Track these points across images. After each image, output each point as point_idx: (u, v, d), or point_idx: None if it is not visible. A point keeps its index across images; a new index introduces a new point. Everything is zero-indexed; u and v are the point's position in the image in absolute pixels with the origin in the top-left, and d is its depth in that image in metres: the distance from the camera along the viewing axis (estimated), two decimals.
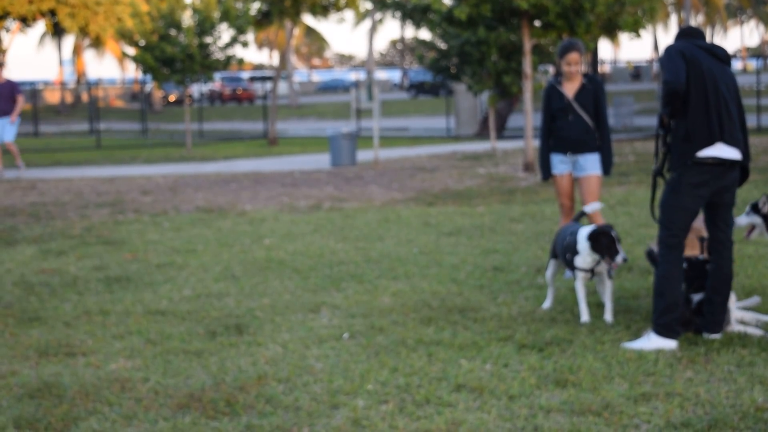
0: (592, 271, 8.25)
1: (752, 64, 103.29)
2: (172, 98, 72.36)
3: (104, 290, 10.06)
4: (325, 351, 7.55)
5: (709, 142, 7.35)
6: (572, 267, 8.34)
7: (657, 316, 7.42)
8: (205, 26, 31.20)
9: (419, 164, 24.05)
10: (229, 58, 31.98)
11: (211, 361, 7.36)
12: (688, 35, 7.64)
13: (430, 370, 6.92)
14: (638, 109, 41.26)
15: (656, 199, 7.79)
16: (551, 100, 10.13)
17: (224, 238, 13.34)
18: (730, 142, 7.41)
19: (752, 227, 8.27)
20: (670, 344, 7.32)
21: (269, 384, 6.74)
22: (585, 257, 8.23)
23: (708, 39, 7.76)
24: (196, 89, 63.21)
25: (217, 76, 70.15)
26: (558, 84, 10.13)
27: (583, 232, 8.28)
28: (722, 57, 7.55)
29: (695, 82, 7.34)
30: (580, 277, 8.26)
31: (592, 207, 9.46)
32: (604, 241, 8.10)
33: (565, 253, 8.40)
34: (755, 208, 8.20)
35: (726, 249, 7.65)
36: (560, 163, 10.25)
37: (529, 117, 21.50)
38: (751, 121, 34.29)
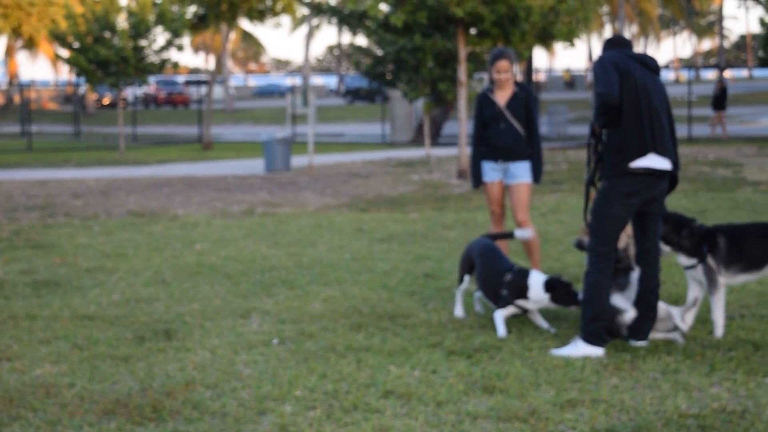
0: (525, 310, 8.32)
1: (684, 74, 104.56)
2: (105, 101, 71.73)
3: (32, 294, 9.94)
4: (254, 357, 7.51)
5: (642, 153, 7.42)
6: (502, 302, 8.26)
7: (585, 324, 7.48)
8: (140, 29, 31.01)
9: (354, 170, 24.06)
10: (164, 62, 31.82)
11: (139, 366, 7.30)
12: (618, 45, 7.71)
13: (358, 376, 6.91)
14: (572, 117, 41.63)
15: (589, 208, 7.85)
16: (483, 108, 10.15)
17: (155, 243, 13.24)
18: (662, 152, 7.48)
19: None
20: (597, 351, 7.38)
21: (197, 390, 6.70)
22: (535, 302, 8.18)
23: (641, 50, 7.84)
24: (130, 92, 62.69)
25: (152, 79, 69.70)
26: (490, 92, 10.16)
27: (539, 279, 8.20)
28: (653, 67, 7.63)
29: (628, 94, 7.40)
30: (509, 312, 8.25)
31: (522, 234, 9.44)
32: (563, 292, 8.11)
33: (499, 288, 8.30)
34: None
35: (653, 258, 7.73)
36: (491, 171, 10.27)
37: (463, 124, 21.59)
38: (682, 131, 34.74)
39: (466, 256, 8.81)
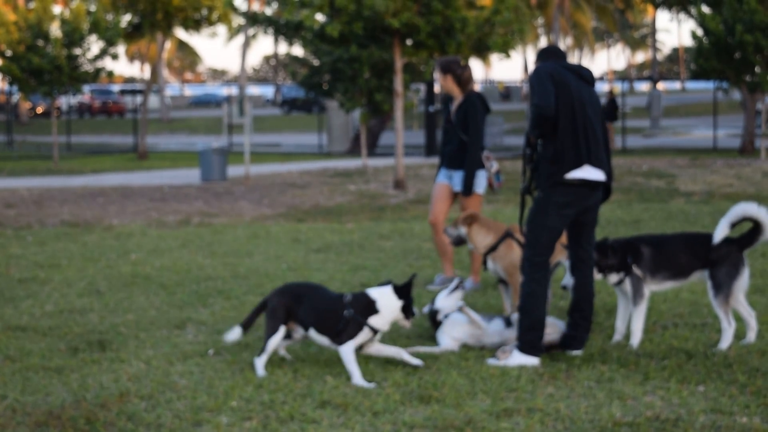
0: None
1: (618, 87, 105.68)
2: (39, 110, 70.94)
3: None
4: (189, 367, 7.46)
5: (577, 164, 7.47)
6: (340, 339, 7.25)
7: (521, 333, 7.51)
8: (74, 37, 30.73)
9: (290, 180, 24.01)
10: (98, 71, 31.55)
11: (72, 378, 7.21)
12: (553, 55, 7.77)
13: (294, 387, 6.89)
14: (508, 128, 41.88)
15: (524, 217, 7.90)
16: (444, 114, 10.42)
17: (89, 253, 13.12)
18: (596, 163, 7.54)
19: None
20: (532, 361, 7.42)
21: (131, 401, 6.63)
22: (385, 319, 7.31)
23: (576, 61, 7.88)
24: (64, 101, 62.00)
25: (87, 88, 69.05)
26: (450, 100, 10.37)
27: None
28: (588, 78, 7.70)
29: (564, 105, 7.45)
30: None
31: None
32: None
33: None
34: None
35: (588, 267, 7.80)
36: (442, 175, 10.47)
37: (399, 135, 21.63)
38: (616, 142, 35.09)
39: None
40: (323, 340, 7.30)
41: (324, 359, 7.57)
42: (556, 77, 7.48)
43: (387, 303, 7.25)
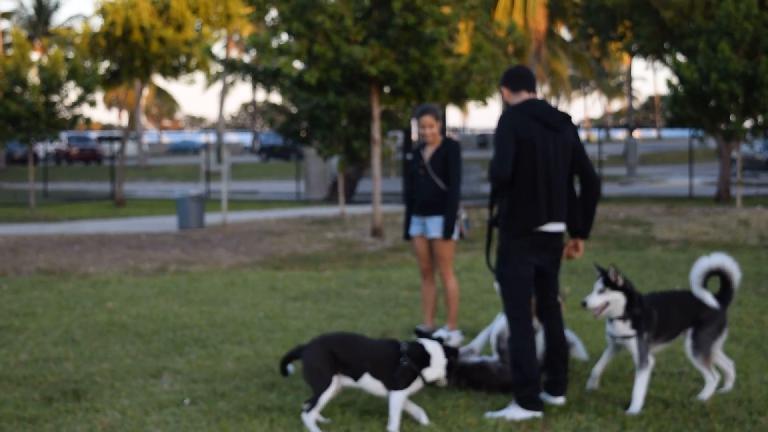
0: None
1: (595, 134, 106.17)
2: (16, 157, 70.78)
3: None
4: (165, 417, 7.41)
5: (535, 223, 7.46)
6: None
7: (517, 390, 7.44)
8: (51, 84, 30.74)
9: (268, 228, 23.98)
10: (76, 117, 31.53)
11: (46, 428, 7.15)
12: (523, 82, 7.62)
13: None
14: (485, 176, 41.99)
15: (492, 248, 7.88)
16: (413, 162, 10.34)
17: (65, 301, 13.04)
18: (557, 219, 7.52)
19: (606, 304, 7.67)
20: (535, 414, 7.35)
21: None
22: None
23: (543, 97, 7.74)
24: (41, 148, 61.99)
25: (64, 135, 68.98)
26: (422, 147, 10.33)
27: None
28: (555, 126, 7.53)
29: (525, 162, 7.39)
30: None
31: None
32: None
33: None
34: (609, 283, 7.66)
35: (556, 311, 7.76)
36: (415, 224, 10.41)
37: (377, 182, 21.66)
38: None
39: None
40: (376, 385, 7.20)
41: (300, 409, 7.52)
42: (520, 133, 7.41)
43: (439, 359, 7.29)
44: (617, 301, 7.61)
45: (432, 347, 7.31)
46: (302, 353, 7.23)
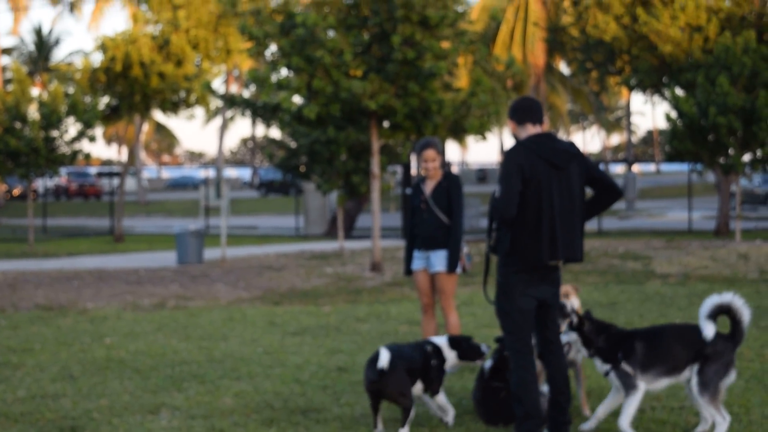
0: None
1: None
2: (15, 192, 70.80)
3: None
4: None
5: (536, 261, 7.43)
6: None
7: (518, 424, 7.40)
8: (51, 120, 30.77)
9: (267, 263, 23.94)
10: (75, 153, 31.54)
11: None
12: (528, 115, 7.62)
13: None
14: (484, 211, 41.98)
15: (490, 281, 7.82)
16: (414, 196, 10.31)
17: (63, 337, 13.00)
18: (560, 257, 7.47)
19: (568, 345, 7.94)
20: None
21: None
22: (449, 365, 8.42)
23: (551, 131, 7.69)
24: (41, 183, 62.02)
25: (64, 170, 69.03)
26: (422, 181, 10.32)
27: (441, 341, 8.45)
28: (561, 165, 7.51)
29: (530, 201, 7.37)
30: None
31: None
32: (466, 347, 8.44)
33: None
34: (571, 326, 7.92)
35: (558, 347, 7.69)
36: (417, 259, 10.37)
37: (376, 217, 21.64)
38: (592, 224, 35.21)
39: None
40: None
41: None
42: (526, 171, 7.39)
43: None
44: (575, 341, 7.86)
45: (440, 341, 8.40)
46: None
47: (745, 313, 7.75)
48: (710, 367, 7.63)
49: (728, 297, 7.73)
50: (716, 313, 7.71)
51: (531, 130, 7.63)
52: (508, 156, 7.50)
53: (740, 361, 10.45)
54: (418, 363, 8.00)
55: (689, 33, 31.38)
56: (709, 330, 7.66)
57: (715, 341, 7.67)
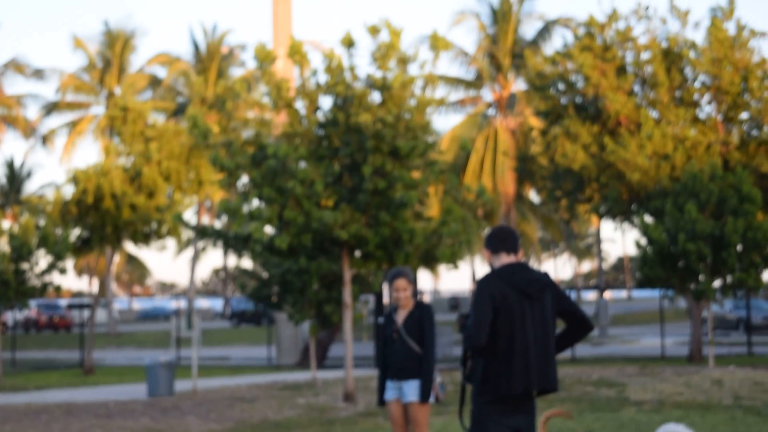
0: None
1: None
2: None
3: None
4: None
5: (510, 392, 7.37)
6: None
7: None
8: (22, 252, 30.66)
9: (239, 394, 23.69)
10: (45, 285, 31.36)
11: None
12: (502, 244, 7.62)
13: None
14: (457, 339, 41.86)
15: (465, 409, 7.75)
16: (386, 326, 10.29)
17: None
18: (534, 387, 7.43)
19: None
20: None
21: None
22: None
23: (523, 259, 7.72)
24: (10, 316, 61.52)
25: (33, 302, 68.56)
26: (394, 311, 10.31)
27: None
28: (534, 295, 7.49)
29: (502, 330, 7.34)
30: None
31: None
32: None
33: None
34: None
35: None
36: (390, 389, 10.31)
37: (349, 346, 21.53)
38: (565, 352, 35.12)
39: None
40: None
41: None
42: (497, 301, 7.38)
43: None
44: None
45: None
46: None
47: None
48: None
49: (671, 427, 7.73)
50: None
51: (505, 259, 7.64)
52: (480, 285, 7.48)
53: None
54: None
55: (656, 161, 31.83)
56: None
57: None
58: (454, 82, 56.77)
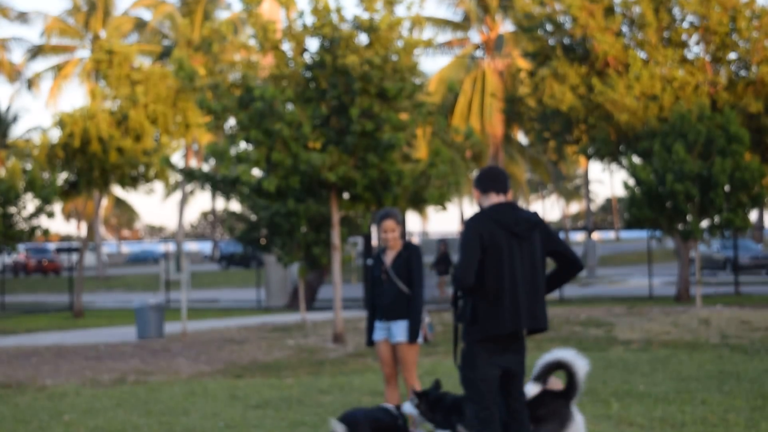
0: None
1: None
2: None
3: None
4: None
5: (498, 330, 7.41)
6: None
7: None
8: (9, 196, 30.58)
9: (228, 336, 23.78)
10: (34, 229, 31.32)
11: None
12: (492, 184, 7.67)
13: None
14: (447, 279, 41.98)
15: (458, 345, 7.79)
16: (374, 267, 10.29)
17: (21, 415, 12.80)
18: (522, 326, 7.46)
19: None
20: None
21: None
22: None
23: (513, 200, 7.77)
24: None
25: (22, 247, 68.48)
26: (382, 252, 10.31)
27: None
28: (522, 234, 7.53)
29: (490, 269, 7.38)
30: None
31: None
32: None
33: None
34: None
35: (523, 416, 7.63)
36: (378, 330, 10.33)
37: (338, 288, 21.59)
38: (554, 293, 35.23)
39: None
40: None
41: None
42: (486, 239, 7.42)
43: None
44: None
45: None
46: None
47: (581, 367, 7.84)
48: (545, 428, 7.67)
49: (563, 354, 7.87)
50: (550, 371, 7.84)
51: (495, 199, 7.65)
52: (468, 224, 7.49)
53: (704, 427, 10.44)
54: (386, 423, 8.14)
55: (644, 102, 31.76)
56: (529, 391, 7.80)
57: (545, 401, 7.73)
58: (442, 23, 56.51)
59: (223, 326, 27.05)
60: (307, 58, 20.81)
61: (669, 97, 31.57)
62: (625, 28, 33.78)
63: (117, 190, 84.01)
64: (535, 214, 7.63)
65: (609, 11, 33.41)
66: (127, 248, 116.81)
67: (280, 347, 20.99)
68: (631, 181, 28.45)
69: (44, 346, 22.58)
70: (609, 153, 33.94)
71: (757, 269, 46.66)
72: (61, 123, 33.32)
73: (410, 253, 10.24)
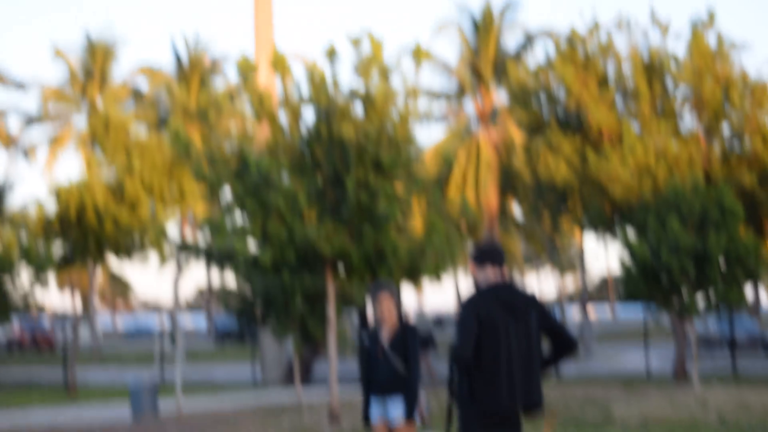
0: None
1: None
2: None
3: None
4: None
5: (495, 408, 7.36)
6: None
7: None
8: (3, 266, 30.42)
9: (223, 417, 23.49)
10: (28, 300, 31.11)
11: None
12: (489, 259, 7.64)
13: None
14: (441, 354, 41.78)
15: (452, 424, 7.70)
16: (370, 342, 10.21)
17: None
18: (519, 404, 7.40)
19: None
20: None
21: None
22: None
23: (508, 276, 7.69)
24: None
25: (16, 322, 68.06)
26: (378, 327, 10.22)
27: None
28: (519, 313, 7.51)
29: (487, 346, 7.34)
30: None
31: None
32: None
33: None
34: None
35: None
36: (374, 407, 10.21)
37: (333, 363, 21.41)
38: (551, 371, 35.01)
39: None
40: None
41: None
42: (483, 317, 7.38)
43: None
44: None
45: None
46: None
47: None
48: None
49: None
50: None
51: (490, 272, 7.63)
52: (465, 303, 7.49)
53: None
54: None
55: (639, 175, 31.81)
56: None
57: None
58: (437, 95, 56.83)
59: (218, 406, 26.75)
60: (303, 128, 20.82)
61: (663, 170, 31.62)
62: (618, 99, 33.96)
63: (112, 264, 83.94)
64: (533, 295, 7.61)
65: (603, 82, 33.60)
66: (122, 321, 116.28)
67: (274, 426, 20.74)
68: (626, 256, 28.39)
69: (36, 425, 22.29)
70: (603, 224, 33.92)
71: (754, 348, 46.35)
72: (57, 196, 33.30)
73: (406, 329, 10.17)
